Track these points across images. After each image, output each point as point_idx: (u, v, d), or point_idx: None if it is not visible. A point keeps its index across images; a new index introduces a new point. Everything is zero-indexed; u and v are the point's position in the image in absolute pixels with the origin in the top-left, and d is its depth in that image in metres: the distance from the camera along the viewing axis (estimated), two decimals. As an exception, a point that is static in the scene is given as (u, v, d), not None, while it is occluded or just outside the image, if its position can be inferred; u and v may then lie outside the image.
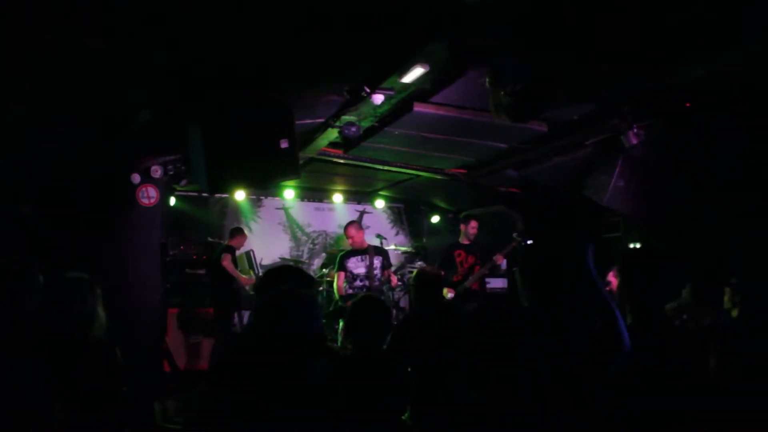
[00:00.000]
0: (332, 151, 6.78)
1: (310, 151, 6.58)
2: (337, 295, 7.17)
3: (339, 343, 5.97)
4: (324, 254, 9.93)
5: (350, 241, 7.17)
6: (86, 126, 5.00)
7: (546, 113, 5.13)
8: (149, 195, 6.13)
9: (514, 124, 4.62)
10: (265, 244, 9.56)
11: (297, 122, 4.89)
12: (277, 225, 10.00)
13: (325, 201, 10.19)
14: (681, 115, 4.94)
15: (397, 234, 10.64)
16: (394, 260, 8.86)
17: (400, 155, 6.96)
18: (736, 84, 4.43)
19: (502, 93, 4.11)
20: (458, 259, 7.34)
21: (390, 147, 6.49)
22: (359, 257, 7.12)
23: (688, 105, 4.78)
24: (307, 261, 9.97)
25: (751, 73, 4.27)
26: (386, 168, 7.49)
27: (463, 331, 2.26)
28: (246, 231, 8.52)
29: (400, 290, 8.26)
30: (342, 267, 7.10)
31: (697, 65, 4.18)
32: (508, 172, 7.23)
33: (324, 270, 8.57)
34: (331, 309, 7.26)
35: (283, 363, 2.27)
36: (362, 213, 10.38)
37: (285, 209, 10.03)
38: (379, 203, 10.26)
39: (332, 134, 5.91)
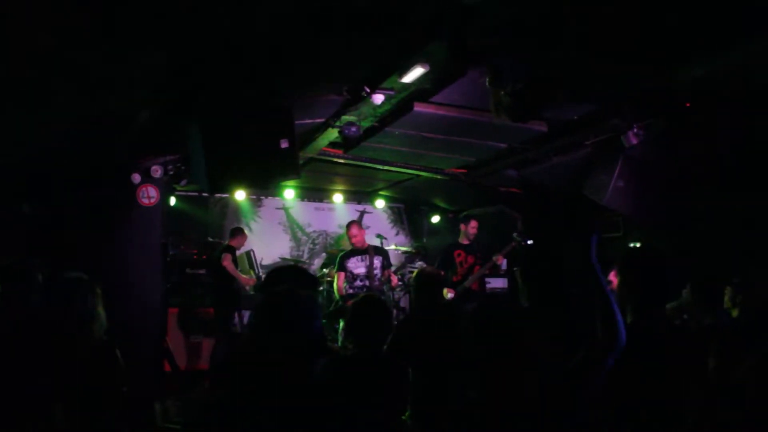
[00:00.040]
0: (332, 151, 6.78)
1: (310, 151, 6.57)
2: (337, 295, 7.18)
3: (339, 343, 5.98)
4: (324, 254, 9.94)
5: (353, 240, 7.18)
6: (86, 126, 4.99)
7: (546, 113, 5.14)
8: (149, 195, 6.14)
9: (514, 124, 4.62)
10: (266, 244, 9.57)
11: (297, 122, 4.89)
12: (277, 225, 10.00)
13: (326, 201, 10.19)
14: (681, 115, 4.94)
15: (397, 234, 10.65)
16: (395, 260, 8.86)
17: (400, 155, 6.96)
18: (736, 84, 4.43)
19: (503, 93, 4.11)
20: (458, 259, 7.34)
21: (390, 147, 6.49)
22: (359, 257, 7.12)
23: (688, 105, 4.78)
24: (307, 261, 9.97)
25: (751, 73, 4.27)
26: (386, 168, 7.49)
27: (463, 331, 2.25)
28: (246, 231, 8.52)
29: (401, 290, 8.26)
30: (342, 267, 7.10)
31: (697, 65, 4.18)
32: (508, 172, 7.23)
33: (324, 270, 8.57)
34: (331, 309, 7.27)
35: (283, 363, 2.27)
36: (362, 213, 10.38)
37: (285, 209, 10.03)
38: (380, 203, 10.26)
39: (332, 134, 5.91)
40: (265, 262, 9.24)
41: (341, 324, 6.31)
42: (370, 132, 5.96)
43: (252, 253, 8.92)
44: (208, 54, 4.05)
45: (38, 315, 3.05)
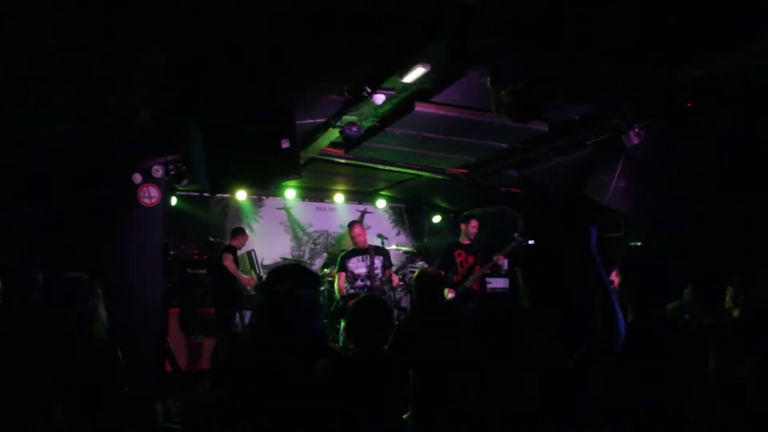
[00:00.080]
0: (333, 151, 6.78)
1: (311, 151, 6.58)
2: (338, 295, 7.18)
3: (341, 343, 5.98)
4: (325, 254, 9.94)
5: (357, 239, 7.18)
6: (86, 126, 5.00)
7: (547, 113, 5.13)
8: (150, 195, 6.14)
9: (515, 124, 4.61)
10: (267, 243, 9.57)
11: (298, 122, 4.89)
12: (278, 225, 10.00)
13: (327, 201, 10.19)
14: (681, 115, 4.94)
15: (398, 234, 10.65)
16: (396, 260, 8.87)
17: (401, 155, 6.96)
18: (736, 84, 4.43)
19: (503, 93, 4.11)
20: (458, 259, 7.34)
21: (391, 147, 6.49)
22: (360, 257, 7.12)
23: (688, 105, 4.78)
24: (308, 261, 9.97)
25: (751, 73, 4.27)
26: (387, 168, 7.49)
27: (464, 332, 2.25)
28: (247, 231, 8.52)
29: (402, 290, 8.26)
30: (343, 267, 7.10)
31: (697, 65, 4.18)
32: (509, 172, 7.23)
33: (325, 270, 8.58)
34: (332, 309, 7.27)
35: (283, 363, 2.27)
36: (363, 213, 10.39)
37: (286, 209, 10.03)
38: (381, 203, 10.26)
39: (333, 134, 5.91)
40: (266, 262, 9.24)
41: (342, 324, 6.31)
42: (371, 132, 5.96)
43: (253, 253, 8.93)
44: (208, 54, 4.06)
45: (38, 315, 3.06)
